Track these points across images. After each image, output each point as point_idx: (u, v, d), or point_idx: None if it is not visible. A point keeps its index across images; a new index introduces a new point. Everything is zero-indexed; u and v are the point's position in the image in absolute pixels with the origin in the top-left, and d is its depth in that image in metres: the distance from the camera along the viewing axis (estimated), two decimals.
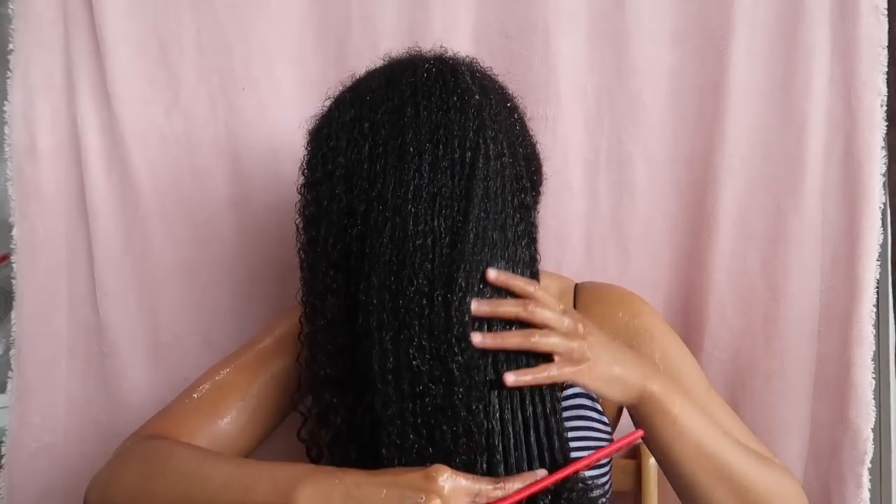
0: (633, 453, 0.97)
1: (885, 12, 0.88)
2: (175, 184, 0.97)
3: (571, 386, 0.72)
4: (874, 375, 0.88)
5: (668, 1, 0.94)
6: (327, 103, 0.69)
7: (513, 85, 0.90)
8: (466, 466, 0.58)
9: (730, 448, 0.66)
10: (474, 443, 0.59)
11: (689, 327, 0.98)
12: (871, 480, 0.89)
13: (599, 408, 0.73)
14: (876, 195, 0.88)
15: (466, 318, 0.60)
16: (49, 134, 0.95)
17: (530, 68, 0.95)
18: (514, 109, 0.70)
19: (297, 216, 0.69)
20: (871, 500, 0.89)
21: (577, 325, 0.63)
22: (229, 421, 0.73)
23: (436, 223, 0.60)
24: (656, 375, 0.65)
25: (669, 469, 0.67)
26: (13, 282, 0.96)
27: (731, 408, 0.93)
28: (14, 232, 0.95)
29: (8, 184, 0.95)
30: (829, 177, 0.91)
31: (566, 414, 0.71)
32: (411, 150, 0.61)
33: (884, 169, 0.89)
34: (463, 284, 0.60)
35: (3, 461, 0.97)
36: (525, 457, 0.61)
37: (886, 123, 0.89)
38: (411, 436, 0.59)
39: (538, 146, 0.73)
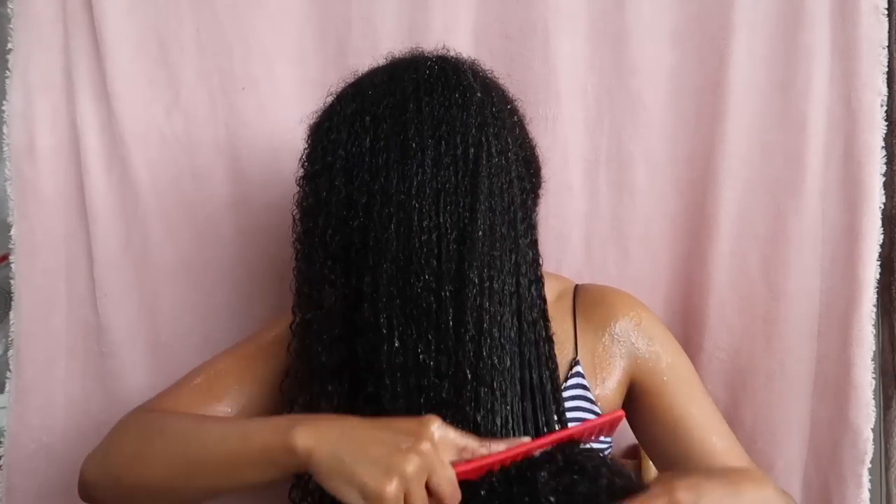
0: (634, 453, 0.97)
1: (885, 12, 0.88)
2: (175, 183, 0.97)
3: (569, 382, 0.72)
4: (874, 375, 0.88)
5: (668, 1, 0.94)
6: (329, 99, 0.70)
7: (513, 85, 0.90)
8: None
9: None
10: (480, 436, 0.59)
11: (689, 327, 0.98)
12: (870, 480, 0.89)
13: (598, 410, 0.73)
14: (876, 195, 0.88)
15: (482, 315, 0.60)
16: (48, 134, 0.95)
17: (530, 68, 0.95)
18: (515, 111, 0.71)
19: (295, 208, 0.69)
20: (871, 499, 0.89)
21: None
22: (225, 406, 0.74)
23: (441, 219, 0.61)
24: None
25: None
26: (12, 282, 0.95)
27: (731, 408, 0.95)
28: (13, 232, 0.95)
29: (7, 184, 0.95)
30: (829, 177, 0.91)
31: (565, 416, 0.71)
32: (413, 145, 0.62)
33: (884, 169, 0.89)
34: (476, 281, 0.60)
35: (2, 461, 0.97)
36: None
37: (886, 124, 0.89)
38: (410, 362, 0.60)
39: (537, 149, 0.73)
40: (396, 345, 0.60)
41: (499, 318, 0.62)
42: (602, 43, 0.96)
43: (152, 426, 0.67)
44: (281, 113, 0.97)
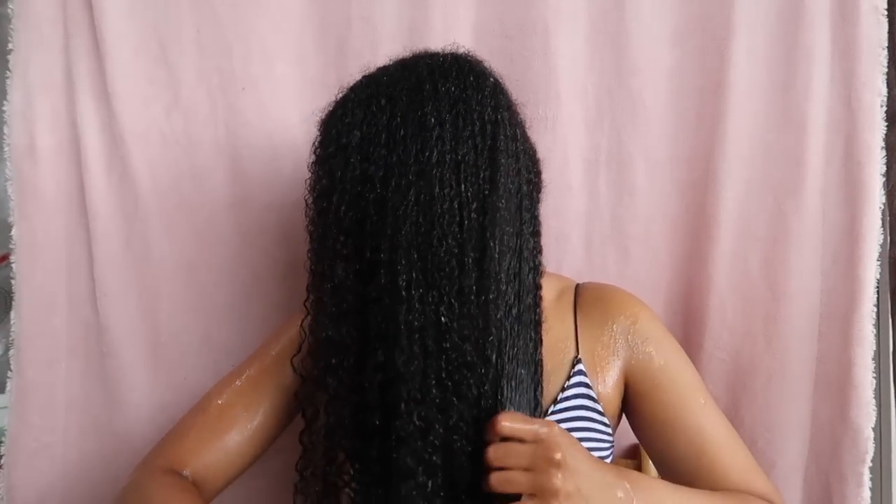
0: (634, 453, 0.97)
1: (885, 12, 0.89)
2: (175, 184, 0.97)
3: (572, 380, 0.72)
4: (874, 375, 0.88)
5: (668, 1, 0.94)
6: (340, 95, 0.69)
7: (513, 85, 0.90)
8: (487, 412, 0.60)
9: None
10: (498, 395, 0.61)
11: (690, 327, 0.98)
12: (871, 479, 0.89)
13: (601, 409, 0.73)
14: (876, 195, 0.88)
15: (502, 284, 0.62)
16: (49, 134, 0.95)
17: (530, 68, 0.95)
18: (517, 114, 0.71)
19: (307, 193, 0.69)
20: (871, 499, 0.89)
21: (550, 463, 0.58)
22: (238, 438, 0.75)
23: (462, 188, 0.61)
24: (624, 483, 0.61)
25: None
26: (13, 282, 0.95)
27: (732, 408, 0.94)
28: (14, 232, 0.95)
29: (7, 184, 0.95)
30: (830, 177, 0.91)
31: (568, 414, 0.71)
32: (432, 120, 0.62)
33: (884, 169, 0.89)
34: (497, 254, 0.62)
35: (2, 461, 0.97)
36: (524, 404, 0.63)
37: (886, 124, 0.89)
38: (434, 390, 0.60)
39: (537, 152, 0.74)
40: (417, 307, 0.60)
41: (506, 291, 0.63)
42: (602, 43, 0.96)
43: None
44: (281, 113, 0.97)
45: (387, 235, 0.61)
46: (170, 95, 0.96)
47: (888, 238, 0.92)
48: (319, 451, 0.69)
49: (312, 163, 0.69)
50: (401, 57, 0.70)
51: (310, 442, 0.70)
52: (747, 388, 0.94)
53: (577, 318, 0.76)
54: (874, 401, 0.88)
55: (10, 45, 0.94)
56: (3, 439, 0.97)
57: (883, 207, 0.89)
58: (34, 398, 0.96)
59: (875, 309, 0.89)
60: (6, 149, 0.94)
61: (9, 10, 0.94)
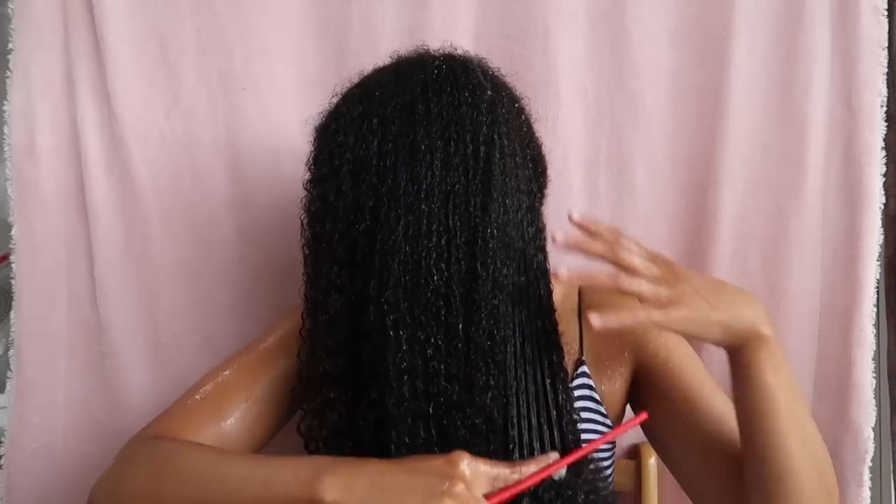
0: (634, 453, 0.97)
1: (885, 13, 0.89)
2: (175, 184, 0.97)
3: (576, 382, 0.72)
4: (874, 375, 0.88)
5: (668, 1, 0.94)
6: (335, 100, 0.69)
7: (512, 85, 0.90)
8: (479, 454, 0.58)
9: (809, 418, 0.63)
10: (491, 438, 0.60)
11: None
12: (871, 479, 0.89)
13: (603, 410, 0.73)
14: (876, 195, 0.88)
15: (494, 318, 0.60)
16: (49, 134, 0.95)
17: (530, 68, 0.95)
18: (522, 110, 0.70)
19: (303, 212, 0.68)
20: (871, 498, 0.89)
21: (667, 270, 0.60)
22: (233, 422, 0.72)
23: (450, 222, 0.60)
24: (767, 319, 0.61)
25: (760, 421, 0.61)
26: (13, 282, 0.95)
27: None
28: (14, 232, 0.95)
29: (7, 184, 0.95)
30: (830, 177, 0.91)
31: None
32: (423, 147, 0.61)
33: (884, 169, 0.89)
34: (489, 284, 0.60)
35: (2, 461, 0.97)
36: (538, 447, 0.61)
37: (886, 124, 0.89)
38: (422, 433, 0.60)
39: (543, 148, 0.73)
40: (404, 348, 0.59)
41: (510, 321, 0.61)
42: (602, 43, 0.96)
43: (166, 462, 0.64)
44: (281, 113, 0.97)
45: (375, 270, 0.60)
46: (170, 95, 0.96)
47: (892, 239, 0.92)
48: (323, 425, 0.67)
49: (307, 180, 0.68)
50: (397, 59, 0.69)
51: None
52: None
53: (582, 319, 0.75)
54: (874, 401, 0.88)
55: (10, 46, 0.94)
56: (3, 439, 0.97)
57: (883, 208, 0.89)
58: (34, 398, 0.96)
59: (875, 309, 0.89)
60: (6, 149, 0.95)
61: (9, 10, 0.94)
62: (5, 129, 0.94)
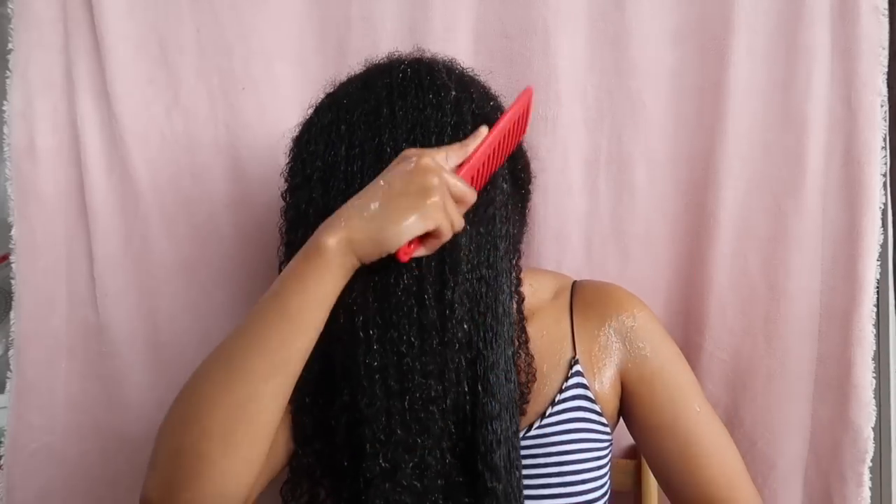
0: (633, 453, 0.97)
1: (885, 12, 0.88)
2: (175, 183, 0.97)
3: (570, 381, 0.72)
4: (874, 375, 0.88)
5: (669, 1, 0.94)
6: (310, 111, 0.70)
7: (513, 85, 0.90)
8: (460, 452, 0.61)
9: None
10: (468, 428, 0.61)
11: (690, 327, 0.98)
12: (871, 479, 0.89)
13: (598, 409, 0.73)
14: (876, 195, 0.88)
15: (461, 316, 0.61)
16: (48, 134, 0.95)
17: (530, 68, 0.95)
18: (498, 108, 0.70)
19: (281, 220, 0.69)
20: (871, 498, 0.89)
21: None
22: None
23: None
24: None
25: None
26: (12, 282, 0.95)
27: (732, 408, 0.94)
28: (13, 232, 0.95)
29: (7, 184, 0.95)
30: (830, 177, 0.91)
31: (566, 416, 0.71)
32: (388, 149, 0.62)
33: (884, 169, 0.89)
34: (458, 283, 0.61)
35: (2, 461, 0.97)
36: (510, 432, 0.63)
37: (886, 123, 0.89)
38: (398, 431, 0.60)
39: (524, 144, 0.73)
40: (375, 347, 0.60)
41: (484, 314, 0.63)
42: (602, 43, 0.96)
43: (199, 376, 0.59)
44: (281, 113, 0.97)
45: None
46: (170, 95, 0.96)
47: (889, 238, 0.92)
48: (304, 485, 0.69)
49: (283, 191, 0.69)
50: (367, 66, 0.70)
51: (297, 471, 0.69)
52: (747, 388, 0.94)
53: (574, 317, 0.75)
54: (874, 401, 0.88)
55: (10, 45, 0.94)
56: (3, 439, 0.97)
57: (883, 207, 0.89)
58: (34, 398, 0.96)
59: (875, 309, 0.89)
60: (6, 149, 0.95)
61: (9, 10, 0.94)
62: (5, 129, 0.94)
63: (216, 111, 0.97)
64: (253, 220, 0.98)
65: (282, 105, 0.97)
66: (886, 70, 0.89)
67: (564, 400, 0.72)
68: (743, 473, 0.72)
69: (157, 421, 0.98)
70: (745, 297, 0.94)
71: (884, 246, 0.90)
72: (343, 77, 0.71)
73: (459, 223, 0.60)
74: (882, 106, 0.89)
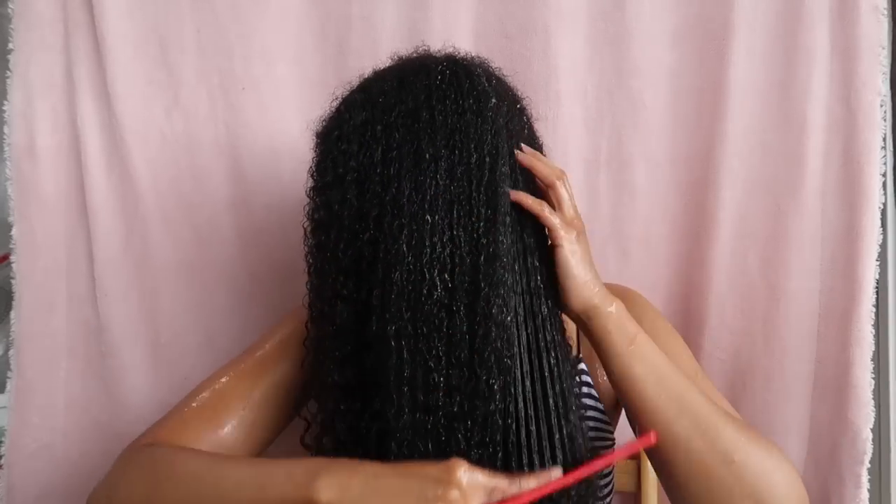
0: (634, 453, 0.97)
1: (885, 12, 0.88)
2: (175, 184, 0.97)
3: (577, 375, 0.72)
4: (873, 375, 0.88)
5: (668, 1, 0.94)
6: (335, 104, 0.68)
7: (513, 85, 0.90)
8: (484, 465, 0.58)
9: (694, 389, 0.63)
10: (492, 451, 0.59)
11: (689, 327, 0.98)
12: (869, 480, 0.89)
13: (602, 407, 0.73)
14: (875, 195, 0.88)
15: (497, 329, 0.59)
16: (49, 134, 0.95)
17: (530, 68, 0.95)
18: (524, 112, 0.70)
19: (306, 220, 0.67)
20: (870, 500, 0.89)
21: (577, 220, 0.66)
22: (230, 430, 0.71)
23: (454, 232, 0.59)
24: (614, 299, 0.64)
25: (630, 397, 0.63)
26: (13, 282, 0.96)
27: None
28: (14, 232, 0.95)
29: (7, 183, 0.95)
30: (829, 177, 0.91)
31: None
32: (427, 156, 0.60)
33: (883, 169, 0.89)
34: (493, 296, 0.59)
35: (2, 461, 0.97)
36: (540, 462, 0.60)
37: (886, 123, 0.89)
38: (420, 446, 0.59)
39: (544, 149, 0.73)
40: (406, 357, 0.59)
41: (514, 332, 0.60)
42: (602, 43, 0.96)
43: (162, 466, 0.63)
44: (281, 113, 0.97)
45: (379, 280, 0.60)
46: (170, 95, 0.96)
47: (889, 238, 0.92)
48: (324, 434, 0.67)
49: (311, 188, 0.67)
50: (399, 61, 0.68)
51: None
52: (746, 388, 0.94)
53: None
54: (873, 401, 0.88)
55: (10, 45, 0.94)
56: (3, 439, 0.97)
57: (883, 207, 0.89)
58: (34, 398, 0.96)
59: (874, 309, 0.89)
60: (6, 149, 0.95)
61: (9, 11, 0.94)
62: (5, 129, 0.94)
63: (216, 111, 0.97)
64: (253, 219, 0.98)
65: (282, 105, 0.97)
66: (886, 70, 0.89)
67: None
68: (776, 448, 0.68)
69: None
70: (744, 298, 0.94)
71: (883, 246, 0.90)
72: (345, 77, 0.70)
73: None
74: (882, 106, 0.89)
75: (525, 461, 0.60)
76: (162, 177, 0.97)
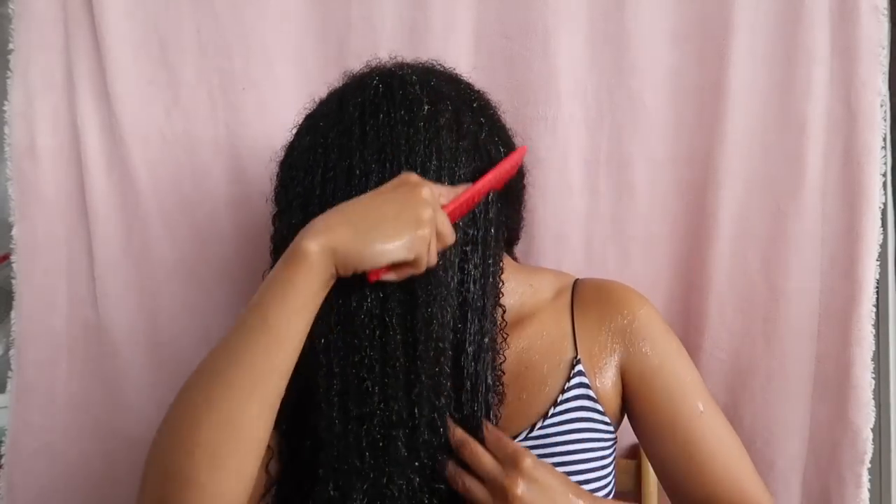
0: (634, 453, 0.97)
1: (885, 13, 0.88)
2: (175, 184, 0.97)
3: (572, 381, 0.72)
4: (874, 375, 0.88)
5: (669, 1, 0.94)
6: (293, 132, 0.70)
7: (513, 85, 0.90)
8: (421, 477, 0.60)
9: None
10: (430, 453, 0.60)
11: (689, 327, 0.98)
12: (870, 480, 0.89)
13: (601, 409, 0.73)
14: (876, 195, 0.88)
15: (433, 332, 0.60)
16: (49, 134, 0.95)
17: (530, 68, 0.95)
18: (483, 108, 0.70)
19: (270, 244, 0.70)
20: (870, 499, 0.89)
21: (508, 479, 0.60)
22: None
23: None
24: None
25: None
26: (13, 282, 0.96)
27: (731, 408, 0.94)
28: (14, 232, 0.95)
29: (8, 184, 0.95)
30: (829, 177, 0.91)
31: (568, 416, 0.71)
32: (358, 171, 0.61)
33: (884, 169, 0.89)
34: (426, 304, 0.60)
35: (2, 461, 0.97)
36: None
37: (886, 123, 0.89)
38: (351, 458, 0.59)
39: (514, 139, 0.73)
40: (335, 370, 0.59)
41: (451, 332, 0.62)
42: (602, 43, 0.96)
43: (183, 393, 0.57)
44: (281, 113, 0.97)
45: None
46: (170, 95, 0.96)
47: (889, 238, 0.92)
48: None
49: (272, 215, 0.69)
50: (345, 80, 0.70)
51: (280, 497, 0.69)
52: (747, 388, 0.94)
53: (575, 316, 0.75)
54: (873, 401, 0.88)
55: (10, 46, 0.94)
56: (3, 439, 0.97)
57: (883, 207, 0.89)
58: (34, 398, 0.96)
59: (874, 309, 0.89)
60: (6, 149, 0.95)
61: (9, 10, 0.94)
62: (5, 129, 0.94)
63: (216, 111, 0.97)
64: (253, 220, 0.98)
65: (282, 105, 0.97)
66: (886, 70, 0.89)
67: (567, 400, 0.71)
68: (751, 475, 0.70)
69: (157, 421, 0.98)
70: (744, 298, 0.94)
71: (883, 246, 0.90)
72: (325, 90, 0.71)
73: (434, 260, 0.60)
74: (882, 106, 0.89)
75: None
76: (162, 177, 0.97)
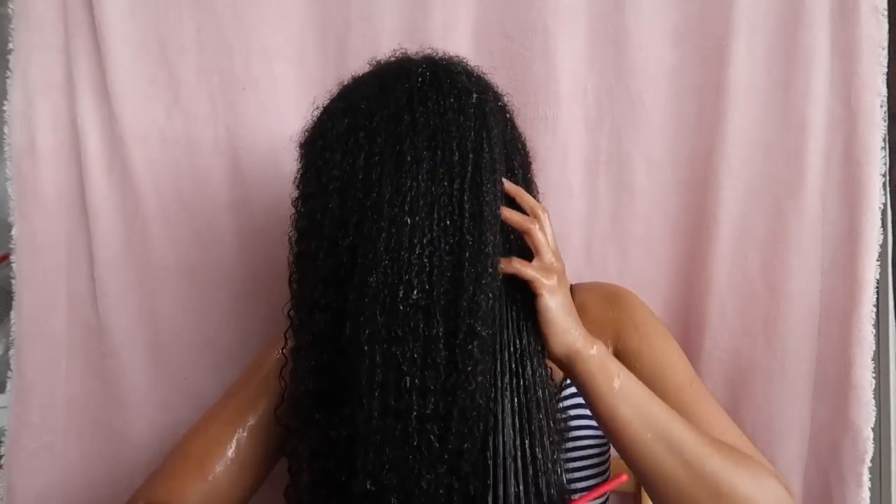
0: None
1: (885, 13, 0.88)
2: (175, 184, 0.97)
3: (567, 387, 0.72)
4: (874, 375, 0.88)
5: (668, 1, 0.94)
6: (316, 113, 0.68)
7: (513, 85, 0.90)
8: (455, 477, 0.58)
9: (679, 423, 0.63)
10: (467, 451, 0.59)
11: (690, 327, 0.98)
12: (871, 480, 0.89)
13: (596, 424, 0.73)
14: (876, 195, 0.88)
15: (476, 331, 0.59)
16: (49, 134, 0.95)
17: (530, 68, 0.95)
18: (505, 108, 0.70)
19: (291, 229, 0.67)
20: (871, 499, 0.89)
21: (556, 262, 0.64)
22: (219, 476, 0.71)
23: (434, 234, 0.59)
24: (595, 342, 0.64)
25: (617, 437, 0.63)
26: (13, 282, 0.95)
27: (732, 408, 0.94)
28: (14, 232, 0.95)
29: (8, 184, 0.95)
30: (829, 177, 0.91)
31: (566, 414, 0.71)
32: (409, 158, 0.60)
33: (884, 169, 0.89)
34: (476, 292, 0.59)
35: (2, 461, 0.97)
36: (517, 465, 0.61)
37: (886, 124, 0.89)
38: (389, 451, 0.58)
39: (528, 144, 0.73)
40: (378, 361, 0.58)
41: (493, 332, 0.61)
42: (602, 43, 0.96)
43: None
44: (281, 113, 0.97)
45: (355, 284, 0.59)
46: (170, 95, 0.96)
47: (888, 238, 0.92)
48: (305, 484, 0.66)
49: (295, 198, 0.67)
50: (377, 66, 0.68)
51: (296, 499, 0.68)
52: (747, 387, 0.94)
53: None
54: (874, 401, 0.88)
55: (10, 46, 0.94)
56: (3, 439, 0.97)
57: (882, 207, 0.89)
58: (34, 398, 0.96)
59: (875, 309, 0.89)
60: (6, 149, 0.95)
61: (9, 11, 0.94)
62: (5, 129, 0.94)
63: (216, 111, 0.97)
64: (253, 219, 0.98)
65: (282, 105, 0.97)
66: (886, 70, 0.89)
67: (565, 398, 0.73)
68: (748, 444, 0.70)
69: (157, 421, 0.99)
70: (744, 298, 0.94)
71: (883, 246, 0.90)
72: (343, 78, 0.70)
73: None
74: (882, 106, 0.89)
75: (501, 467, 0.60)
76: (162, 177, 0.97)
